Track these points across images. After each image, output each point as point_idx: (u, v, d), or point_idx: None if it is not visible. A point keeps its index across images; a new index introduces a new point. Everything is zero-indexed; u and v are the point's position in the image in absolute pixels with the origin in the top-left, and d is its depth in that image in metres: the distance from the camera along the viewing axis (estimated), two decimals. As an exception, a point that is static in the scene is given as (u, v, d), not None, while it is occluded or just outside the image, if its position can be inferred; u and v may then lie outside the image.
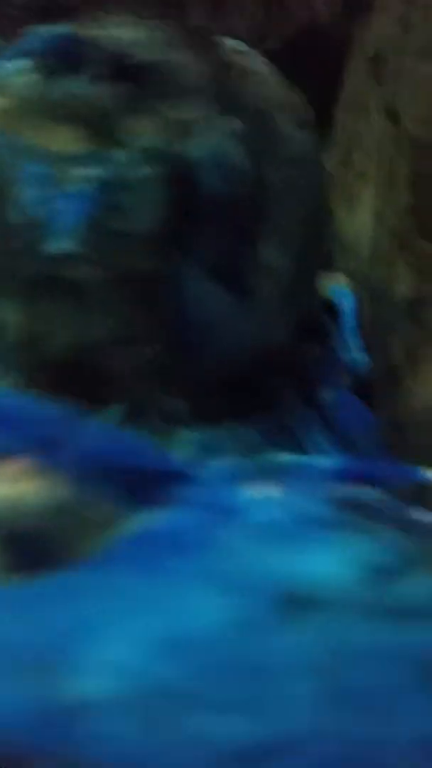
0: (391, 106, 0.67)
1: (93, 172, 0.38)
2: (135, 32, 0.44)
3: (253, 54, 0.68)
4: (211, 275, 0.45)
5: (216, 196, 0.43)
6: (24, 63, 0.39)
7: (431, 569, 0.24)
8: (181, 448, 0.49)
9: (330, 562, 0.24)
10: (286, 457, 0.49)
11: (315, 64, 1.01)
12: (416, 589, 0.24)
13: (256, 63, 0.57)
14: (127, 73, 0.40)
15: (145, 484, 0.27)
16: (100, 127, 0.40)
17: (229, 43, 0.58)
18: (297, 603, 0.23)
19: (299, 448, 0.53)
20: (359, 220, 0.76)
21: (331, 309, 0.75)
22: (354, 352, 0.68)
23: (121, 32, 0.43)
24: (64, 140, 0.39)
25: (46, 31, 0.41)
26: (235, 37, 1.09)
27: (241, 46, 0.71)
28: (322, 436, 0.55)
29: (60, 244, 0.34)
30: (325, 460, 0.45)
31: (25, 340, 0.44)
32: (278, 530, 0.25)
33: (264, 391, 0.57)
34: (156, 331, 0.44)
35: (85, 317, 0.43)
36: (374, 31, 0.76)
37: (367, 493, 0.32)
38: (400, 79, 0.64)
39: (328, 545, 0.25)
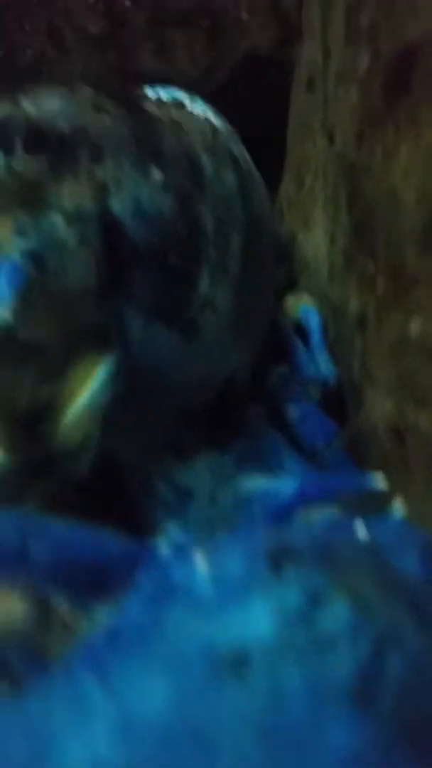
0: (328, 128, 0.71)
1: (22, 242, 0.41)
2: (55, 102, 0.48)
3: (182, 98, 0.72)
4: (153, 318, 0.48)
5: (146, 243, 0.47)
6: None
7: (345, 597, 0.26)
8: (165, 483, 0.52)
9: (251, 618, 0.25)
10: (254, 483, 0.51)
11: (263, 90, 1.06)
12: (332, 621, 0.25)
13: (183, 109, 0.61)
14: (49, 143, 0.44)
15: (104, 578, 0.28)
16: (27, 198, 0.43)
17: (156, 94, 0.62)
18: (230, 665, 0.24)
19: (268, 469, 0.55)
20: (315, 240, 0.79)
21: (299, 326, 0.78)
22: (322, 367, 0.71)
23: (42, 104, 0.47)
24: (-1, 218, 0.43)
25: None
26: (183, 74, 1.15)
27: (171, 93, 0.75)
28: (288, 454, 0.58)
29: (1, 317, 0.37)
30: (289, 483, 0.48)
31: None
32: (209, 599, 0.27)
33: (229, 418, 0.60)
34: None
35: (39, 375, 0.46)
36: (305, 57, 0.81)
37: (302, 532, 0.33)
38: (328, 103, 0.68)
39: (249, 603, 0.26)
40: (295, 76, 0.89)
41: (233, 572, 0.25)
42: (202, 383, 0.55)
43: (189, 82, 1.08)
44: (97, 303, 0.46)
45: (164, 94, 0.76)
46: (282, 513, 0.42)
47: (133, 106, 0.54)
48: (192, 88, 0.98)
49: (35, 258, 0.41)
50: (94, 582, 0.26)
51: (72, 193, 0.44)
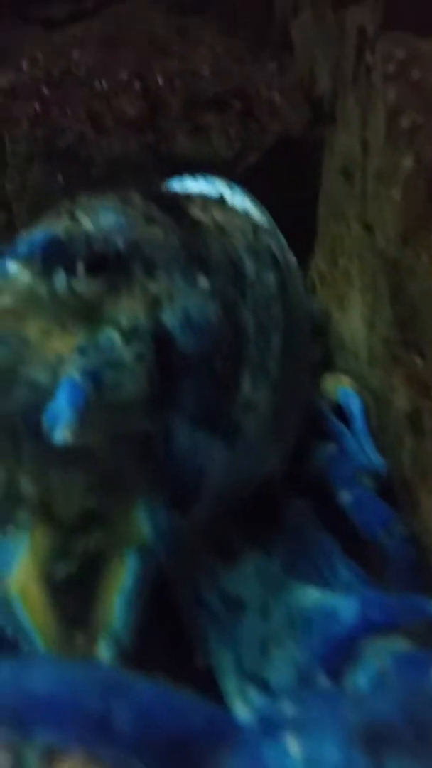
0: (365, 219, 0.72)
1: (82, 361, 0.42)
2: (110, 217, 0.50)
3: (222, 190, 0.74)
4: (198, 424, 0.48)
5: (194, 353, 0.47)
6: (18, 266, 0.45)
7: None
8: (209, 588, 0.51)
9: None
10: (309, 598, 0.49)
11: (293, 168, 1.09)
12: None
13: (225, 206, 0.63)
14: (107, 260, 0.46)
15: (187, 753, 0.27)
16: (86, 316, 0.45)
17: (198, 193, 0.65)
18: None
19: (320, 577, 0.53)
20: (352, 322, 0.79)
21: (339, 410, 0.78)
22: (371, 455, 0.69)
23: (98, 220, 0.49)
24: (60, 335, 0.44)
25: (35, 234, 0.46)
26: (217, 155, 1.19)
27: (212, 185, 0.77)
28: (339, 557, 0.56)
29: (61, 436, 0.38)
30: (348, 604, 0.45)
31: (40, 508, 0.48)
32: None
33: (270, 513, 0.59)
34: (156, 485, 0.48)
35: (90, 481, 0.46)
36: (340, 145, 0.83)
37: (390, 698, 0.31)
38: (367, 197, 0.69)
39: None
40: (326, 160, 0.91)
41: (329, 760, 0.24)
42: (243, 483, 0.55)
43: (222, 162, 1.12)
44: (146, 412, 0.46)
45: (205, 185, 0.78)
46: (345, 643, 0.41)
47: (181, 213, 0.55)
48: (225, 168, 1.01)
49: (94, 376, 0.41)
50: (177, 757, 0.25)
51: (127, 309, 0.45)
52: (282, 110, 1.04)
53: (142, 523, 0.46)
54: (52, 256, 0.44)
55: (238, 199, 0.72)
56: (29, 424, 0.43)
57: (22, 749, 0.25)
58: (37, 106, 1.18)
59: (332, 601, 0.45)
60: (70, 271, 0.44)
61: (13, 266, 0.44)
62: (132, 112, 1.12)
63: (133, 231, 0.49)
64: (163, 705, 0.28)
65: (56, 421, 0.39)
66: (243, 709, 0.41)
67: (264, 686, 0.45)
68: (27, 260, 0.44)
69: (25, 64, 1.41)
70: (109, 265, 0.45)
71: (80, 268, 0.43)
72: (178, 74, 1.28)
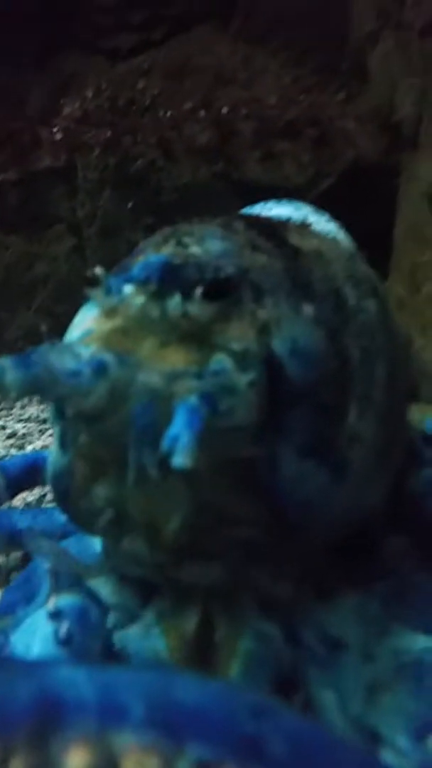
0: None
1: (198, 384, 0.42)
2: (218, 244, 0.50)
3: (309, 215, 0.74)
4: (304, 454, 0.47)
5: (302, 381, 0.46)
6: (134, 288, 0.45)
7: None
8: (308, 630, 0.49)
9: None
10: (416, 646, 0.47)
11: (366, 193, 1.09)
12: None
13: (320, 233, 0.63)
14: (223, 286, 0.46)
15: None
16: (200, 341, 0.44)
17: (294, 220, 0.64)
18: None
19: (422, 621, 0.51)
20: (437, 350, 0.78)
21: (427, 438, 0.76)
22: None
23: (206, 246, 0.49)
24: (171, 357, 0.44)
25: (150, 258, 0.47)
26: (289, 182, 1.20)
27: (303, 213, 0.77)
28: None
29: (181, 461, 0.37)
30: None
31: (142, 523, 0.47)
32: None
33: (372, 552, 0.57)
34: (257, 513, 0.47)
35: (193, 502, 0.46)
36: (425, 170, 0.83)
37: None
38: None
39: None
40: (405, 185, 0.91)
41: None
42: (347, 517, 0.53)
43: (294, 189, 1.13)
44: (253, 439, 0.46)
45: (291, 210, 0.78)
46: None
47: (280, 239, 0.55)
48: (297, 195, 1.01)
49: (209, 401, 0.41)
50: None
51: (238, 335, 0.44)
52: (356, 137, 1.04)
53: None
54: (168, 280, 0.44)
55: (326, 225, 0.72)
56: (137, 443, 0.43)
57: (174, 760, 0.24)
58: (108, 133, 1.22)
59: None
60: (186, 295, 0.44)
61: (128, 288, 0.44)
62: (202, 139, 1.15)
63: (240, 257, 0.49)
64: (316, 739, 0.26)
65: (175, 445, 0.38)
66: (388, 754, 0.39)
67: (373, 734, 0.43)
68: (142, 283, 0.44)
69: (90, 93, 1.46)
70: (225, 290, 0.45)
71: (197, 292, 0.43)
72: (244, 103, 1.30)
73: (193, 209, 0.68)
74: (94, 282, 0.46)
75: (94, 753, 0.24)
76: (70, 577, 0.50)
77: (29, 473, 0.80)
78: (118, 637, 0.50)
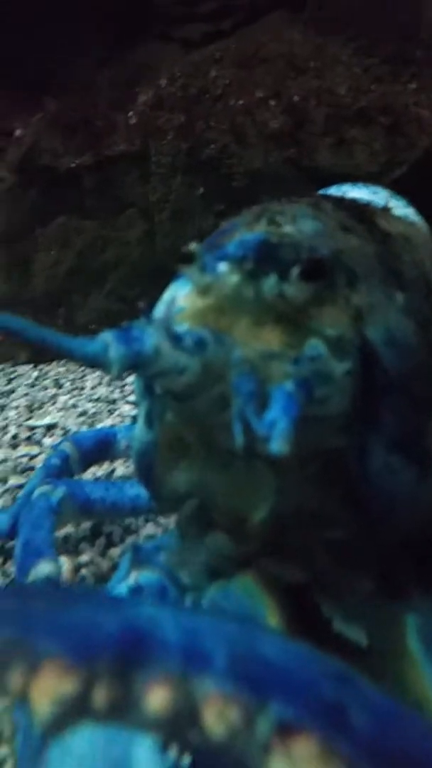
0: None
1: (294, 368, 0.39)
2: (310, 224, 0.47)
3: (387, 199, 0.69)
4: (394, 448, 0.44)
5: (395, 371, 0.43)
6: (229, 266, 0.42)
7: None
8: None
9: None
10: None
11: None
12: None
13: (401, 218, 0.58)
14: (321, 267, 0.42)
15: None
16: (296, 322, 0.41)
17: (379, 204, 0.60)
18: None
19: None
20: None
21: None
22: None
23: (299, 226, 0.46)
24: (266, 338, 0.41)
25: (246, 236, 0.44)
26: (361, 170, 1.14)
27: (382, 196, 0.73)
28: None
29: (278, 447, 0.35)
30: None
31: (226, 512, 0.45)
32: None
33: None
34: (342, 507, 0.44)
35: (281, 490, 0.43)
36: None
37: None
38: None
39: None
40: None
41: None
42: (428, 517, 0.50)
43: (366, 176, 1.08)
44: (342, 428, 0.42)
45: (369, 194, 0.74)
46: None
47: (370, 223, 0.51)
48: (369, 182, 0.96)
49: (306, 387, 0.38)
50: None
51: (332, 320, 0.41)
52: (430, 126, 0.98)
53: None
54: (265, 259, 0.41)
55: (405, 210, 0.67)
56: (228, 424, 0.40)
57: (255, 715, 0.22)
58: (182, 118, 1.19)
59: None
60: (282, 276, 0.41)
61: (222, 266, 0.42)
62: (275, 125, 1.10)
63: (332, 239, 0.46)
64: (403, 718, 0.24)
65: (273, 431, 0.35)
66: None
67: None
68: (238, 261, 0.41)
69: (164, 81, 1.43)
70: (323, 273, 0.41)
71: (294, 273, 0.40)
72: (314, 92, 1.25)
73: (264, 195, 0.64)
74: (187, 258, 0.43)
75: (176, 695, 0.22)
76: (150, 553, 0.48)
77: (100, 448, 0.79)
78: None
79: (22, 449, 0.97)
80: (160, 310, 0.47)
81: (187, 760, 0.30)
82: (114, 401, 1.16)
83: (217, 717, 0.22)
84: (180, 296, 0.44)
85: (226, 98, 1.30)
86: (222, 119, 1.14)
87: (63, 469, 0.72)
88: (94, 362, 0.37)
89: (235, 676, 0.23)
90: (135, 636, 0.24)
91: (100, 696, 0.22)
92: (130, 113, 1.23)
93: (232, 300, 0.41)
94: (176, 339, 0.38)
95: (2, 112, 1.43)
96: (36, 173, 1.32)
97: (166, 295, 0.48)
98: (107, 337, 0.36)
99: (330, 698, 0.23)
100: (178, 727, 0.23)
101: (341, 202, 0.55)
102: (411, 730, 0.24)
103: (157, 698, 0.22)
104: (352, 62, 1.29)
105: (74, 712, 0.22)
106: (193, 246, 0.43)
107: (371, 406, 0.43)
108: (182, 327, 0.40)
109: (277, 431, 0.35)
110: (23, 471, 0.90)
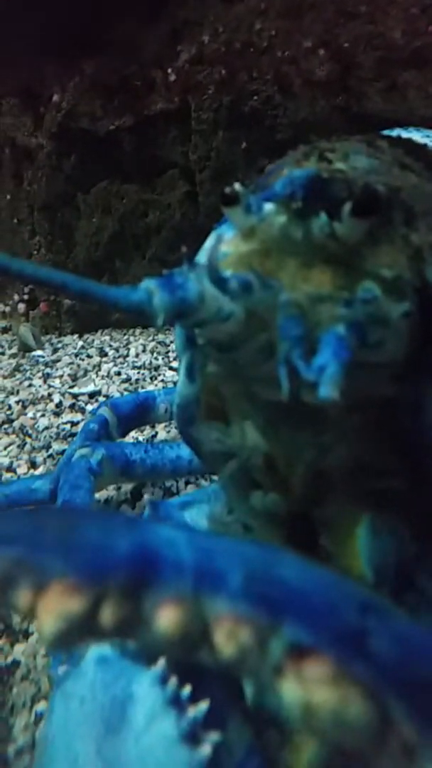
0: None
1: (346, 311, 0.36)
2: (364, 160, 0.43)
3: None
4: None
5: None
6: (276, 206, 0.39)
7: None
8: None
9: None
10: None
11: None
12: None
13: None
14: (375, 203, 0.39)
15: None
16: (348, 263, 0.38)
17: (421, 137, 0.56)
18: None
19: None
20: None
21: None
22: None
23: (351, 162, 0.43)
24: (315, 281, 0.38)
25: (294, 173, 0.41)
26: (414, 114, 1.07)
27: (428, 137, 0.68)
28: None
29: (327, 392, 0.32)
30: None
31: (266, 464, 0.43)
32: None
33: None
34: (395, 458, 0.41)
35: (324, 444, 0.41)
36: None
37: None
38: None
39: None
40: None
41: None
42: None
43: (420, 120, 1.01)
44: (396, 377, 0.40)
45: (421, 137, 0.69)
46: None
47: (428, 160, 0.47)
48: (423, 127, 0.90)
49: (358, 331, 0.35)
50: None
51: (389, 260, 0.38)
52: None
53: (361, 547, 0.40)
54: (315, 197, 0.38)
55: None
56: (272, 376, 0.37)
57: (268, 635, 0.22)
58: (223, 71, 1.13)
59: None
60: (333, 214, 0.37)
61: (268, 206, 0.39)
62: (321, 73, 1.04)
63: (389, 176, 0.42)
64: (428, 643, 0.22)
65: (322, 376, 0.33)
66: None
67: None
68: (285, 200, 0.38)
69: (207, 38, 1.37)
70: (377, 208, 0.38)
71: (346, 210, 0.37)
72: (366, 37, 1.17)
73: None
74: (230, 200, 0.40)
75: (185, 615, 0.22)
76: (167, 508, 0.47)
77: (139, 412, 0.79)
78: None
79: (66, 416, 0.98)
80: (203, 257, 0.45)
81: (186, 691, 0.30)
82: (157, 368, 1.15)
83: (228, 637, 0.22)
84: (224, 241, 0.42)
85: (272, 50, 1.24)
86: (265, 70, 1.08)
87: (101, 434, 0.71)
88: (139, 312, 0.35)
89: (249, 596, 0.23)
90: (147, 556, 0.24)
91: (108, 615, 0.22)
92: (169, 70, 1.19)
93: (279, 242, 0.39)
94: (220, 284, 0.35)
95: (39, 77, 1.42)
96: (75, 138, 1.30)
97: (209, 241, 0.46)
98: (151, 285, 0.34)
99: (350, 624, 0.22)
100: (188, 646, 0.22)
101: (398, 140, 0.52)
102: (426, 647, 0.23)
103: (167, 618, 0.22)
104: (409, 1, 1.20)
105: (81, 629, 0.22)
106: (236, 187, 0.41)
107: (429, 354, 0.40)
108: (226, 273, 0.37)
109: (326, 376, 0.33)
110: (66, 437, 0.91)
